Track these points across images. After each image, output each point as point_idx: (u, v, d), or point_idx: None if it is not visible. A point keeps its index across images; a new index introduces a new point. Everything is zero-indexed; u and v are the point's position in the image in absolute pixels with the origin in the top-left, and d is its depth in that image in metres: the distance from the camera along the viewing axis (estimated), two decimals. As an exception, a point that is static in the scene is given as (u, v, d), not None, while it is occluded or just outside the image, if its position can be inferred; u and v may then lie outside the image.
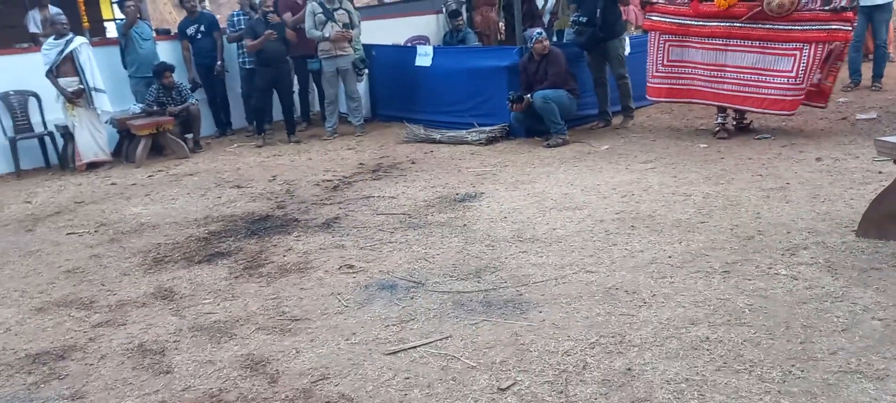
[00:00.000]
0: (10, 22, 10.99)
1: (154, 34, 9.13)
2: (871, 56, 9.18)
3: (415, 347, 3.28)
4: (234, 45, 9.16)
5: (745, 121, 7.16)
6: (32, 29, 10.27)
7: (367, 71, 9.22)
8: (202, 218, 5.71)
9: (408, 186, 6.15)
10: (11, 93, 8.07)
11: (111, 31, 13.52)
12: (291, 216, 5.57)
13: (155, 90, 8.39)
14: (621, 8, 8.03)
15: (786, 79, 6.49)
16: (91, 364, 3.41)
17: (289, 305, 3.89)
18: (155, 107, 8.35)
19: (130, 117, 8.33)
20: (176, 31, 9.78)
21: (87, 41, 8.12)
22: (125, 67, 8.73)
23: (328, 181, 6.61)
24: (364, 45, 9.04)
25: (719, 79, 6.83)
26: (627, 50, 8.03)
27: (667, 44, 7.08)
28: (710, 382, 2.79)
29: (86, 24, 8.96)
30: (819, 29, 6.30)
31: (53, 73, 7.73)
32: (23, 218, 6.23)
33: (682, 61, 7.05)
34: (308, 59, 8.88)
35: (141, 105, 8.45)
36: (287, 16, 8.85)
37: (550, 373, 2.96)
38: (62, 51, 7.70)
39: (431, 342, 3.32)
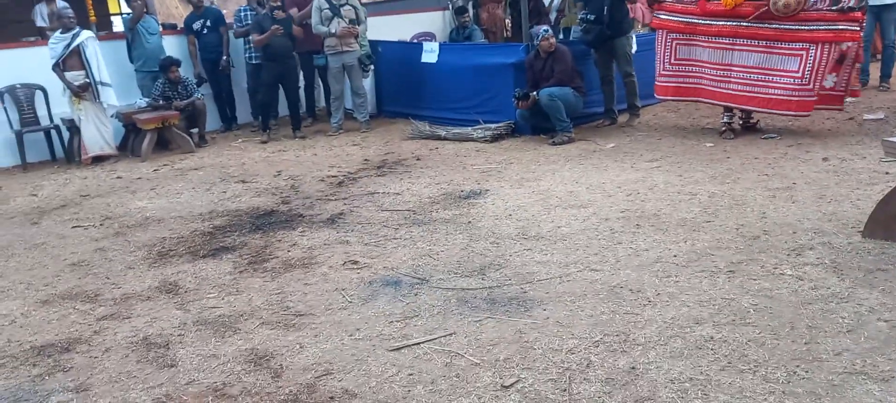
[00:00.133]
0: (17, 16, 11.00)
1: (160, 29, 9.13)
2: (879, 56, 9.14)
3: (418, 344, 3.28)
4: (241, 40, 9.16)
5: (751, 121, 7.14)
6: (39, 23, 10.29)
7: (372, 67, 9.21)
8: (207, 213, 5.72)
9: (413, 183, 6.15)
10: (18, 86, 8.09)
11: (118, 25, 13.53)
12: (296, 211, 5.58)
13: (161, 84, 8.40)
14: (629, 6, 8.00)
15: (792, 80, 6.47)
16: (96, 357, 3.42)
17: (293, 300, 3.90)
18: (161, 102, 8.36)
19: (136, 111, 8.35)
20: (182, 25, 9.79)
21: (94, 35, 8.15)
22: (131, 62, 8.74)
23: (333, 177, 6.61)
24: (370, 42, 9.04)
25: (726, 79, 6.81)
26: (634, 48, 8.01)
27: (674, 42, 7.07)
28: (715, 382, 2.78)
29: (92, 18, 8.98)
30: (826, 29, 6.27)
31: (60, 67, 7.74)
32: (29, 210, 6.25)
33: (689, 60, 7.04)
34: (314, 54, 8.87)
35: (147, 99, 8.47)
36: (293, 11, 8.85)
37: (554, 371, 2.95)
38: (69, 44, 7.72)
39: (435, 338, 3.32)
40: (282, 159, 7.58)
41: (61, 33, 7.80)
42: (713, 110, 7.56)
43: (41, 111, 8.20)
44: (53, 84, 7.92)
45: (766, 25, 6.47)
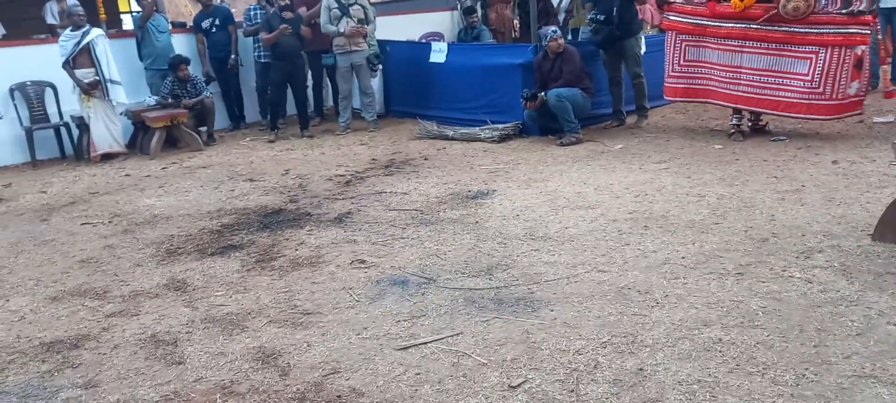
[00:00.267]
0: (27, 13, 11.07)
1: (170, 27, 9.17)
2: (890, 59, 9.08)
3: (426, 343, 3.29)
4: (250, 38, 9.18)
5: (760, 123, 7.12)
6: (50, 20, 10.36)
7: (381, 66, 9.22)
8: (215, 211, 5.74)
9: (420, 182, 6.15)
10: (28, 83, 8.13)
11: (127, 23, 13.58)
12: (304, 210, 5.59)
13: (170, 82, 8.43)
14: (638, 7, 7.98)
15: (802, 83, 6.45)
16: (104, 354, 3.43)
17: (300, 299, 3.90)
18: (170, 100, 8.39)
19: (145, 109, 8.38)
20: (191, 24, 9.82)
21: (104, 33, 8.18)
22: (141, 59, 8.77)
23: (341, 176, 6.62)
24: (378, 41, 9.05)
25: (735, 81, 6.79)
26: (643, 49, 7.99)
27: (683, 43, 7.06)
28: (723, 384, 2.78)
29: (103, 16, 9.02)
30: (835, 32, 6.24)
31: (70, 65, 7.78)
32: (38, 207, 6.29)
33: (698, 61, 7.03)
34: (322, 54, 8.88)
35: (156, 97, 8.50)
36: (302, 10, 8.86)
37: (561, 372, 2.95)
38: (79, 42, 7.75)
39: (442, 338, 3.32)
40: (290, 158, 7.59)
41: (72, 31, 7.84)
42: (722, 112, 7.53)
43: (51, 108, 8.24)
44: (63, 81, 7.96)
45: (776, 28, 6.45)
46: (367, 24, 8.57)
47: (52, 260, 4.86)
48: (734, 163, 6.00)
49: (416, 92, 9.10)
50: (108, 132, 8.05)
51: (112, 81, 7.87)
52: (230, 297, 4.00)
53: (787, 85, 6.53)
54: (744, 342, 3.08)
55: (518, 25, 11.33)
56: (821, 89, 6.40)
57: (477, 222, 4.96)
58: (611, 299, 3.59)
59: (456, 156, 7.11)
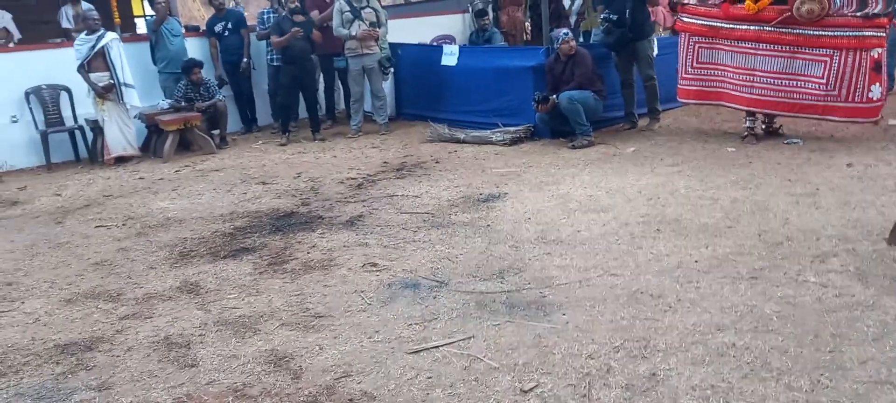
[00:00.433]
0: (43, 17, 11.17)
1: (183, 31, 9.22)
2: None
3: (437, 346, 3.28)
4: (263, 42, 9.22)
5: (774, 126, 7.07)
6: (65, 24, 10.44)
7: (392, 69, 9.24)
8: (228, 214, 5.77)
9: (432, 185, 6.15)
10: (44, 87, 8.21)
11: (141, 26, 13.68)
12: (316, 213, 5.60)
13: (183, 86, 8.48)
14: (650, 9, 7.95)
15: (817, 86, 6.40)
16: (118, 356, 3.45)
17: (312, 302, 3.91)
18: (183, 103, 8.44)
19: (159, 112, 8.44)
20: (204, 27, 9.87)
21: (118, 37, 8.24)
22: (155, 63, 8.83)
23: (352, 179, 6.63)
24: (390, 44, 9.06)
25: (749, 83, 6.75)
26: (655, 51, 7.96)
27: (697, 45, 7.03)
28: (736, 389, 2.75)
29: (117, 20, 9.08)
30: (850, 35, 6.19)
31: (85, 68, 7.84)
32: (53, 210, 6.34)
33: (711, 63, 6.99)
34: (335, 57, 8.91)
35: (169, 100, 8.55)
36: (314, 14, 8.89)
37: (574, 376, 2.94)
38: (94, 46, 7.82)
39: (454, 342, 3.32)
40: (302, 161, 7.62)
41: (86, 35, 7.90)
42: (735, 115, 7.49)
43: (66, 112, 8.31)
44: (78, 85, 8.02)
45: (790, 30, 6.41)
46: (379, 28, 8.59)
47: (67, 263, 4.90)
48: (747, 167, 5.96)
49: (427, 95, 9.11)
50: (121, 135, 8.11)
51: (126, 85, 7.94)
52: (242, 300, 4.02)
53: (803, 87, 6.49)
54: (758, 347, 3.05)
55: (529, 28, 11.33)
56: (837, 92, 6.35)
57: (488, 225, 4.96)
58: (623, 303, 3.58)
59: (467, 159, 7.11)
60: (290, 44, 8.29)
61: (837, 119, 6.56)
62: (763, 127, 7.08)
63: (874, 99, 6.33)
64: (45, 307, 4.14)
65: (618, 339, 3.21)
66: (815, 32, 6.32)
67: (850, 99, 6.34)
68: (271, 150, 8.33)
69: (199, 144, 8.44)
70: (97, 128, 8.13)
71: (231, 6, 9.96)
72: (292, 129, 8.90)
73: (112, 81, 7.87)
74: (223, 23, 9.19)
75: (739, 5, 6.60)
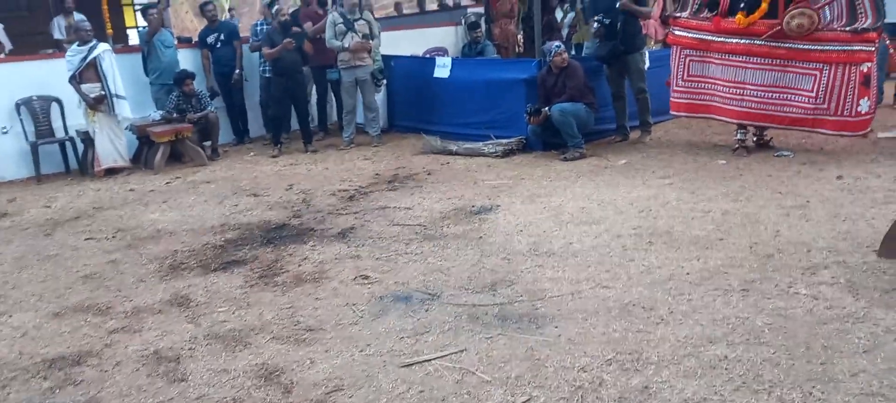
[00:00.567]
0: (35, 28, 11.14)
1: (176, 42, 9.21)
2: (894, 74, 9.08)
3: (429, 360, 3.27)
4: (256, 53, 9.22)
5: (764, 138, 7.10)
6: (57, 35, 10.40)
7: (385, 81, 9.24)
8: (219, 226, 5.74)
9: (424, 198, 6.14)
10: (35, 98, 8.17)
11: (134, 38, 13.65)
12: (307, 225, 5.59)
13: (175, 97, 8.46)
14: (641, 22, 7.98)
15: (807, 99, 6.46)
16: (106, 371, 3.42)
17: (304, 315, 3.89)
18: (174, 115, 8.41)
19: (150, 124, 8.41)
20: (196, 39, 9.87)
21: (110, 48, 8.22)
22: (147, 74, 8.81)
23: (344, 191, 6.62)
24: (383, 56, 9.07)
25: (739, 96, 6.80)
26: (647, 64, 7.99)
27: (687, 59, 7.07)
28: (729, 402, 2.75)
29: (109, 31, 9.07)
30: (840, 50, 6.25)
31: (76, 80, 7.81)
32: (42, 222, 6.29)
33: (701, 77, 7.04)
34: (327, 69, 8.92)
35: (160, 112, 8.53)
36: (308, 25, 8.90)
37: (566, 389, 2.93)
38: (86, 57, 7.79)
39: (446, 355, 3.31)
40: (293, 173, 7.60)
41: (78, 46, 7.88)
42: (726, 127, 7.53)
43: (57, 123, 8.28)
44: (70, 96, 7.99)
45: (780, 44, 6.46)
46: (372, 40, 8.60)
47: (56, 276, 4.86)
48: (738, 179, 5.99)
49: (419, 107, 9.12)
50: (112, 147, 8.07)
51: (118, 96, 7.90)
52: (233, 313, 3.99)
53: (793, 101, 6.54)
54: (750, 359, 3.05)
55: (522, 40, 11.35)
56: (826, 105, 6.40)
57: (481, 237, 4.95)
58: (615, 315, 3.57)
59: (459, 171, 7.11)
60: (281, 56, 8.28)
61: (827, 132, 6.61)
62: (754, 139, 7.11)
63: (863, 112, 6.37)
64: (34, 320, 4.10)
65: (610, 352, 3.21)
66: (805, 46, 6.37)
67: (840, 112, 6.39)
68: (263, 162, 8.31)
69: (191, 156, 8.42)
70: (88, 140, 8.09)
71: (224, 18, 9.95)
72: (284, 141, 8.89)
73: (103, 93, 7.84)
74: (216, 34, 9.18)
75: (730, 19, 6.65)
